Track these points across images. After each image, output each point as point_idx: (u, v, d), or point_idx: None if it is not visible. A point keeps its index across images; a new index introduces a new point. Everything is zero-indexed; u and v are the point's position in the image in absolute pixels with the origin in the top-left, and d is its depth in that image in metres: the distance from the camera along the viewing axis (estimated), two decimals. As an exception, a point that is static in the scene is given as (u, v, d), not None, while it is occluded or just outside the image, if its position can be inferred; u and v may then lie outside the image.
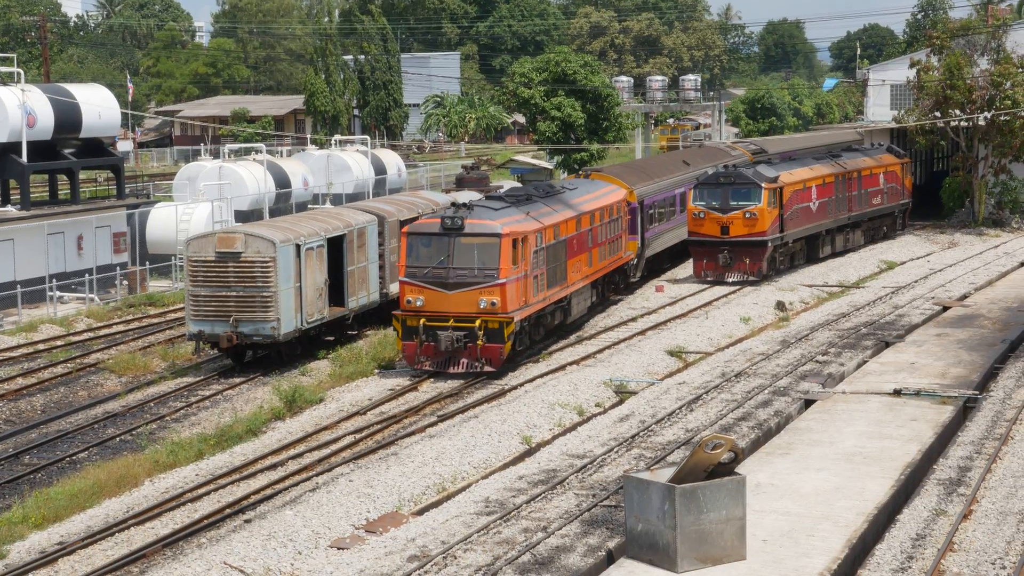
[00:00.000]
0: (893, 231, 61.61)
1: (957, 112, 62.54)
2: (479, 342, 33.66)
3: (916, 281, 47.82)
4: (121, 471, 26.93)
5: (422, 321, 33.78)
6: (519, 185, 53.63)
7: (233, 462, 27.80)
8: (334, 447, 28.63)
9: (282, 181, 61.71)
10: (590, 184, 44.63)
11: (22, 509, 25.07)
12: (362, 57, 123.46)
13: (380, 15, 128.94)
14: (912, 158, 68.28)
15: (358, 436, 29.37)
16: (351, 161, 68.83)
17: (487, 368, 33.94)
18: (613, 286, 45.87)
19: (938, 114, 63.08)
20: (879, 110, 73.09)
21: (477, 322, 33.61)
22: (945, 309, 41.54)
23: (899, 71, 70.61)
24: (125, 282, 49.18)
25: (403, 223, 39.19)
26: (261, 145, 65.91)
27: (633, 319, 42.76)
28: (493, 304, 33.59)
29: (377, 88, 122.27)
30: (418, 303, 33.88)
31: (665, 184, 51.63)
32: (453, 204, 35.30)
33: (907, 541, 20.36)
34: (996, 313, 40.55)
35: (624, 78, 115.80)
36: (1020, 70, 62.40)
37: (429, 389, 33.62)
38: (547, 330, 38.15)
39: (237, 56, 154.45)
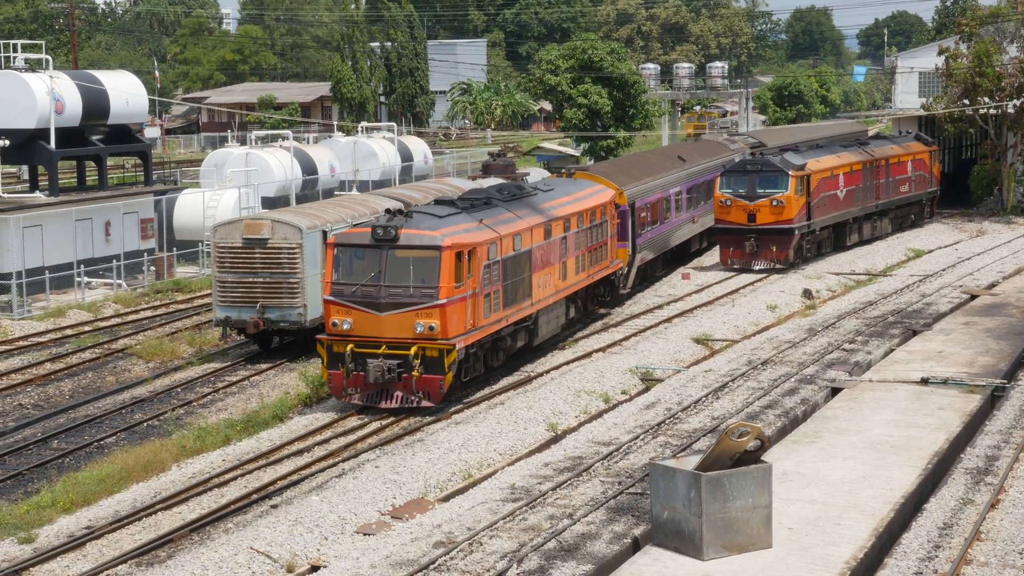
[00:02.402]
0: (921, 219, 61.34)
1: (986, 100, 62.18)
2: (415, 373, 29.15)
3: (944, 269, 47.60)
4: (148, 456, 27.06)
5: (350, 347, 29.36)
6: (544, 172, 53.36)
7: (260, 447, 27.91)
8: (360, 433, 28.70)
9: (309, 168, 61.81)
10: (571, 184, 39.84)
11: (51, 493, 25.23)
12: (389, 44, 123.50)
13: (407, 2, 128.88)
14: (940, 146, 67.96)
15: (384, 422, 29.44)
16: (377, 148, 68.89)
17: (425, 403, 29.50)
18: (599, 299, 41.27)
19: (967, 102, 62.74)
20: (907, 97, 72.89)
21: (413, 349, 29.07)
22: (973, 297, 41.34)
23: (927, 58, 70.36)
24: (152, 268, 49.35)
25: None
26: (288, 132, 66.02)
27: (659, 306, 42.71)
28: (431, 328, 28.96)
29: (404, 75, 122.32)
30: (345, 326, 29.44)
31: (658, 183, 46.80)
32: (387, 211, 30.62)
33: (934, 530, 20.29)
34: (1025, 302, 40.34)
35: (651, 65, 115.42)
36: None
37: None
38: (508, 355, 33.59)
39: (264, 43, 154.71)
